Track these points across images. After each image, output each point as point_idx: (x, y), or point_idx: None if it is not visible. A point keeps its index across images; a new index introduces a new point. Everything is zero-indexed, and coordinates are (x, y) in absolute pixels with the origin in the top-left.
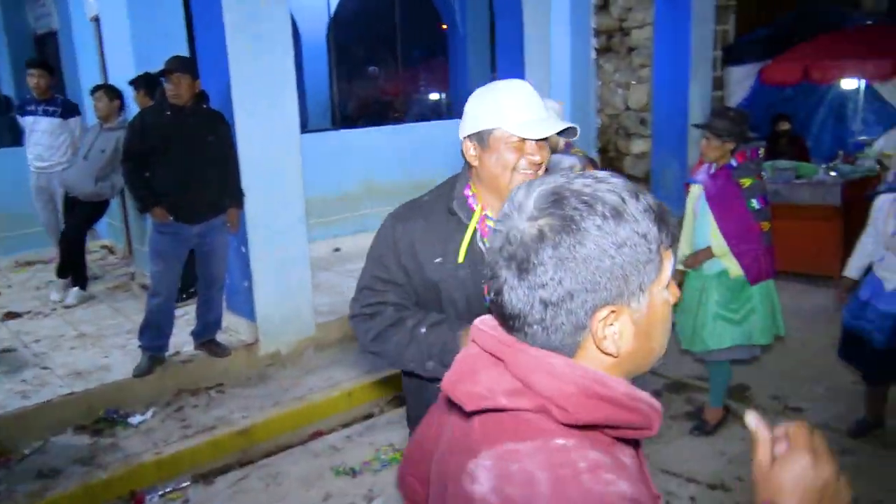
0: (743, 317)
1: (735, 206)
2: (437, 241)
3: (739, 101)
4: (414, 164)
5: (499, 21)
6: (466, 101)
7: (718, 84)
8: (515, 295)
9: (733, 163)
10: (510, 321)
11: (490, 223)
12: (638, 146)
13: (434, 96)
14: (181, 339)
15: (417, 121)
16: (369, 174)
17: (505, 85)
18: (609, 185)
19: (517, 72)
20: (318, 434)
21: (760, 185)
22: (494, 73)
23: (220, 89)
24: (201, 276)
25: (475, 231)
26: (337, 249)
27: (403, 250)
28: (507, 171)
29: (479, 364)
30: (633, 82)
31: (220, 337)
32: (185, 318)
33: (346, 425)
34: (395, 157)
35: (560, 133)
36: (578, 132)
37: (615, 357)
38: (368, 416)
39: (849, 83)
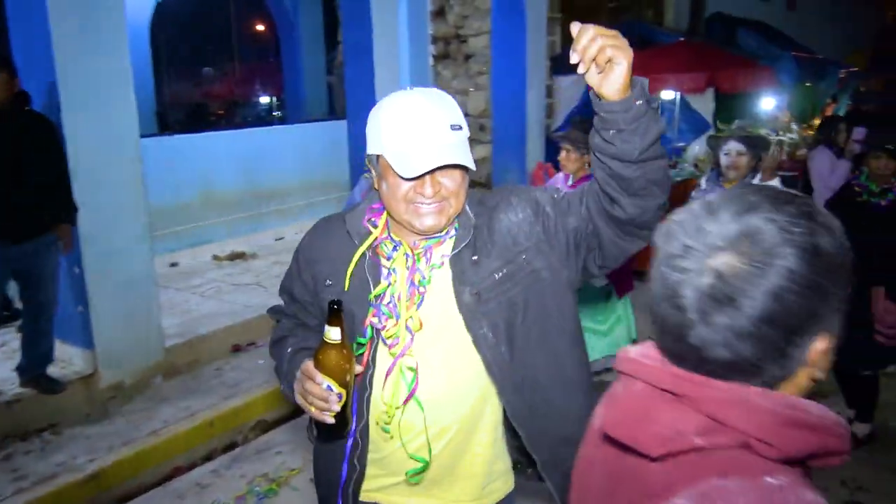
0: (609, 328)
1: None
2: (331, 261)
3: (570, 109)
4: (255, 170)
5: (346, 25)
6: (301, 104)
7: (548, 92)
8: (710, 330)
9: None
10: (690, 356)
11: (385, 249)
12: (478, 152)
13: (271, 99)
14: (2, 375)
15: (256, 125)
16: (207, 183)
17: (395, 99)
18: (794, 207)
19: (366, 78)
20: (178, 471)
21: None
22: (331, 74)
23: (43, 89)
24: (26, 303)
25: (364, 256)
26: (174, 264)
27: (303, 265)
28: (401, 202)
29: (653, 403)
30: (472, 89)
31: (52, 370)
32: (3, 349)
33: (208, 458)
34: (233, 163)
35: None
36: (474, 167)
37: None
38: (232, 446)
39: (667, 94)
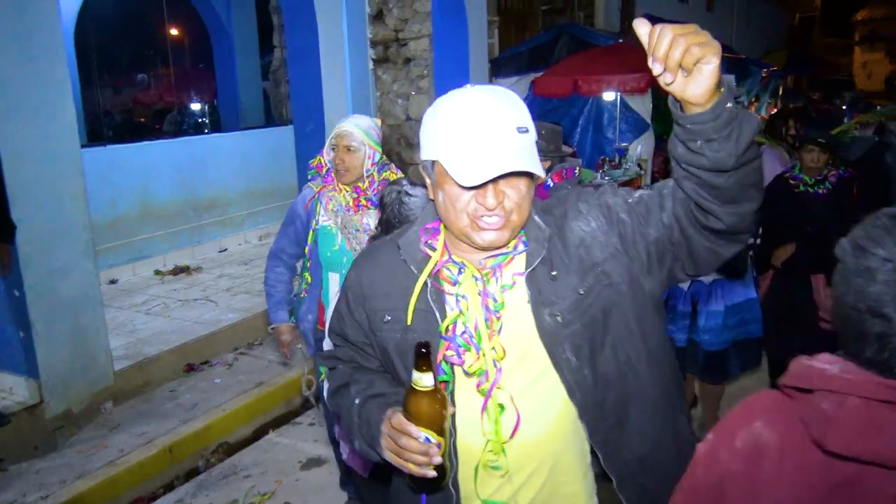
0: None
1: None
2: (386, 295)
3: None
4: (194, 180)
5: (290, 29)
6: (237, 111)
7: None
8: None
9: (550, 183)
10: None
11: (449, 273)
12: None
13: (206, 107)
14: None
15: (193, 133)
16: (144, 195)
17: (453, 98)
18: None
19: (313, 82)
20: (139, 503)
21: None
22: (267, 80)
23: None
24: None
25: (425, 285)
26: (113, 281)
27: (354, 303)
28: (460, 214)
29: (879, 415)
30: (413, 93)
31: None
32: None
33: (170, 487)
34: (172, 174)
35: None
36: (543, 174)
37: None
38: (195, 473)
39: (608, 95)
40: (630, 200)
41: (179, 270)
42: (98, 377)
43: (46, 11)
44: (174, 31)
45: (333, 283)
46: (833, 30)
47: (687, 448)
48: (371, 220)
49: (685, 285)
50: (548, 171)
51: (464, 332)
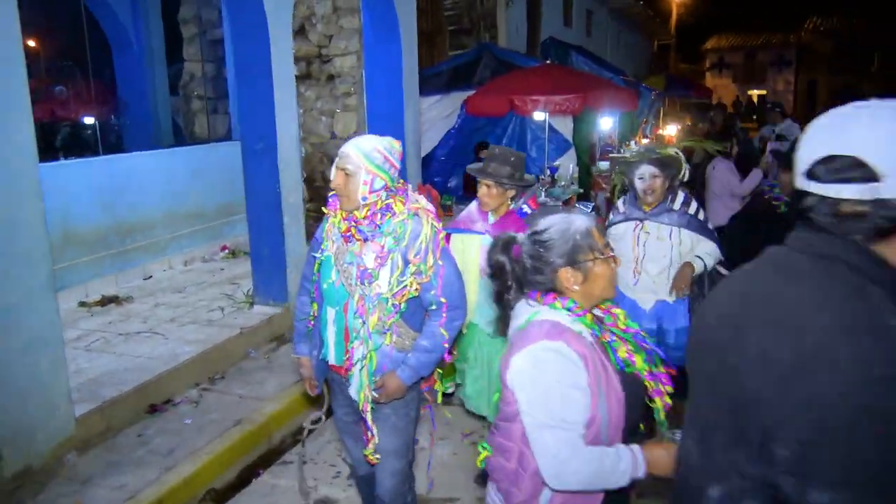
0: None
1: None
2: None
3: (434, 127)
4: (119, 203)
5: (237, 42)
6: (147, 128)
7: None
8: None
9: (526, 209)
10: None
11: None
12: None
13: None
14: None
15: (115, 151)
16: (63, 219)
17: None
18: None
19: (264, 98)
20: None
21: None
22: (176, 95)
23: None
24: None
25: None
26: None
27: None
28: None
29: None
30: (338, 110)
31: None
32: None
33: None
34: (91, 196)
35: None
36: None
37: None
38: None
39: (538, 115)
40: None
41: (108, 301)
42: (60, 427)
43: (3, 9)
44: (73, 46)
45: (330, 319)
46: (687, 57)
47: None
48: (369, 255)
49: (649, 305)
50: (512, 198)
51: None
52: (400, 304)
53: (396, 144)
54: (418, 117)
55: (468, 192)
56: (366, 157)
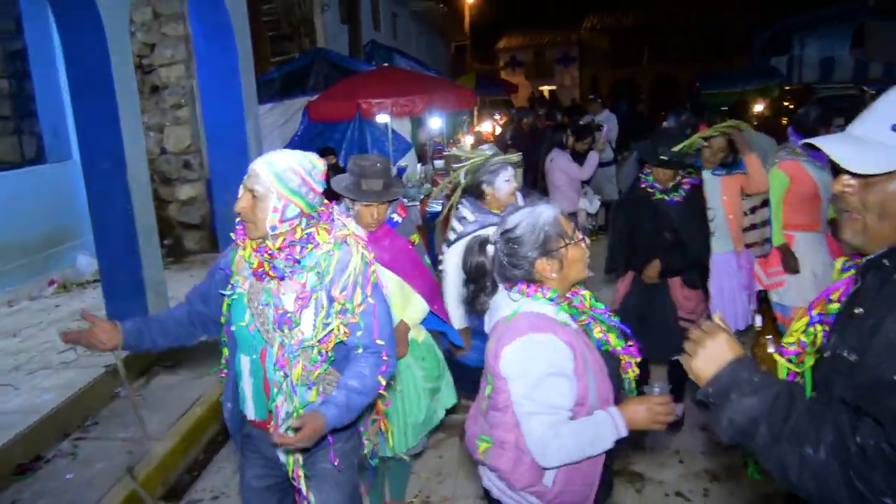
0: (441, 380)
1: (417, 265)
2: None
3: (292, 136)
4: None
5: (70, 56)
6: None
7: None
8: None
9: (396, 218)
10: None
11: None
12: (185, 192)
13: None
14: None
15: None
16: None
17: None
18: None
19: (108, 113)
20: None
21: (421, 240)
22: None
23: None
24: None
25: None
26: None
27: None
28: None
29: None
30: (168, 124)
31: None
32: None
33: None
34: None
35: None
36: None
37: None
38: None
39: (382, 118)
40: None
41: None
42: None
43: None
44: None
45: (246, 369)
46: (482, 57)
47: None
48: (289, 296)
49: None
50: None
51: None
52: (328, 351)
53: (319, 164)
54: (260, 126)
55: None
56: (278, 179)
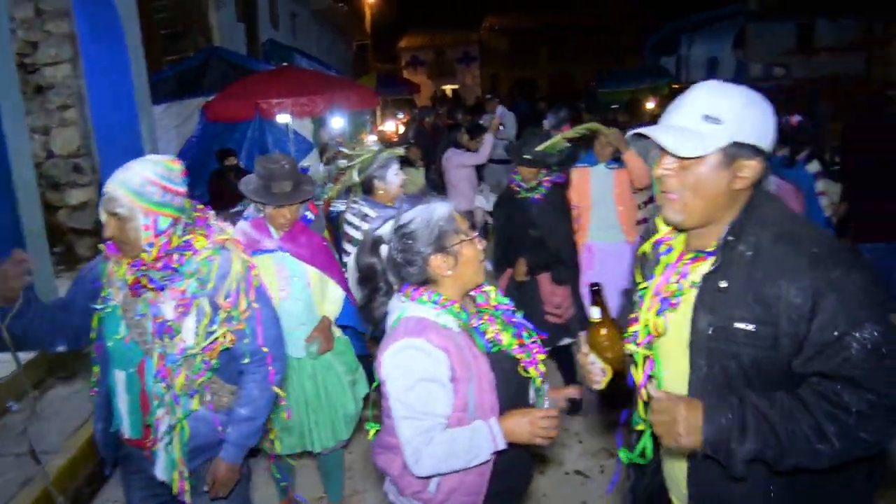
0: (358, 375)
1: (333, 261)
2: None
3: (189, 137)
4: None
5: None
6: None
7: None
8: None
9: (309, 215)
10: None
11: (662, 249)
12: (76, 196)
13: None
14: None
15: None
16: None
17: None
18: None
19: None
20: None
21: (329, 238)
22: None
23: None
24: None
25: (644, 254)
26: None
27: None
28: None
29: None
30: (55, 126)
31: None
32: None
33: None
34: None
35: None
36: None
37: None
38: None
39: (283, 118)
40: (837, 332)
41: None
42: None
43: None
44: None
45: (121, 385)
46: (384, 56)
47: None
48: (168, 304)
49: None
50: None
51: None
52: (211, 359)
53: (175, 165)
54: (155, 127)
55: (216, 202)
56: (138, 196)
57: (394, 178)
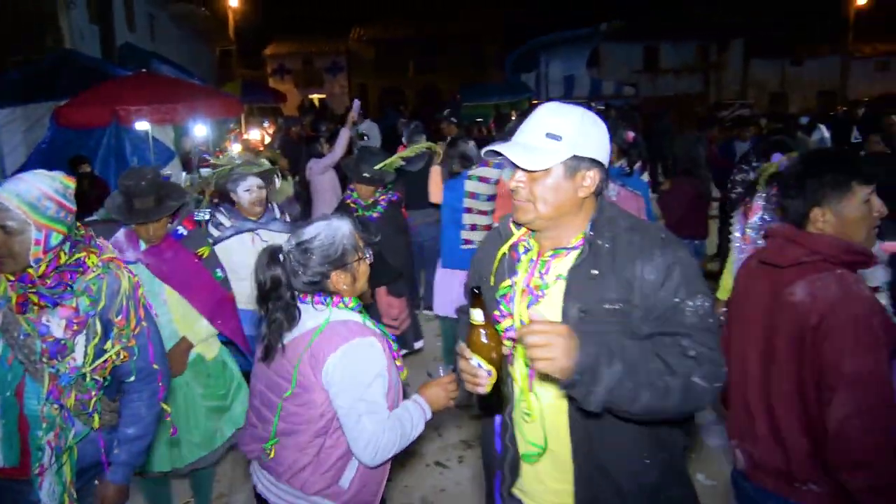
0: (232, 399)
1: (201, 278)
2: (488, 260)
3: (39, 144)
4: None
5: None
6: None
7: None
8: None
9: (182, 230)
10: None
11: (520, 251)
12: None
13: None
14: None
15: None
16: None
17: None
18: None
19: None
20: None
21: (214, 252)
22: None
23: None
24: None
25: (505, 255)
26: None
27: (472, 271)
28: None
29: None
30: None
31: None
32: None
33: None
34: None
35: None
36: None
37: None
38: None
39: (142, 125)
40: (681, 294)
41: None
42: None
43: None
44: None
45: None
46: (249, 63)
47: None
48: (57, 322)
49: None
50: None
51: (510, 300)
52: (103, 378)
53: (69, 182)
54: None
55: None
56: (33, 209)
57: (244, 195)
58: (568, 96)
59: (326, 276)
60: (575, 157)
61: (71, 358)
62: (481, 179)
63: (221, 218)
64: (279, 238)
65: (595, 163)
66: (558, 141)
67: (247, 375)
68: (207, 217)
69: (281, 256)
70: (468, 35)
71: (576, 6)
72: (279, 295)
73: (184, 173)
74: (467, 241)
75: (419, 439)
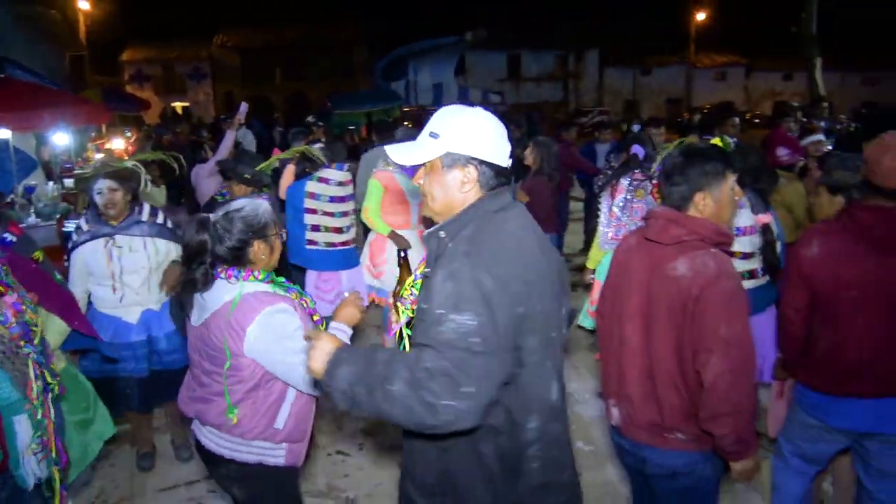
0: (93, 411)
1: (45, 282)
2: None
3: None
4: None
5: None
6: None
7: None
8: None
9: (10, 237)
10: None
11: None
12: None
13: None
14: None
15: None
16: None
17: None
18: None
19: None
20: None
21: (46, 256)
22: None
23: None
24: None
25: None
26: None
27: None
28: None
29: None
30: None
31: None
32: None
33: None
34: None
35: None
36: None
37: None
38: None
39: (3, 133)
40: (440, 311)
41: None
42: None
43: None
44: None
45: None
46: (104, 69)
47: None
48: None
49: (135, 317)
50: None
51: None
52: None
53: None
54: None
55: None
56: None
57: (96, 197)
58: (437, 104)
59: (249, 243)
60: (449, 153)
61: None
62: (321, 180)
63: (82, 223)
64: (138, 242)
65: (473, 160)
66: (436, 139)
67: (104, 381)
68: (74, 228)
69: (209, 224)
70: (336, 42)
71: (440, 15)
72: (202, 260)
73: (49, 183)
74: (311, 242)
75: (318, 432)
